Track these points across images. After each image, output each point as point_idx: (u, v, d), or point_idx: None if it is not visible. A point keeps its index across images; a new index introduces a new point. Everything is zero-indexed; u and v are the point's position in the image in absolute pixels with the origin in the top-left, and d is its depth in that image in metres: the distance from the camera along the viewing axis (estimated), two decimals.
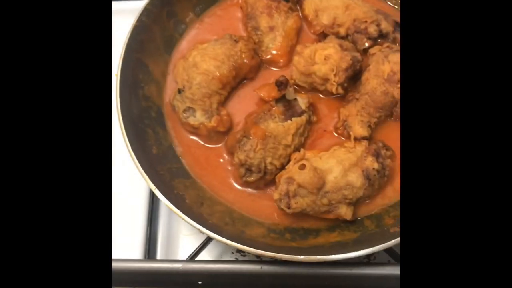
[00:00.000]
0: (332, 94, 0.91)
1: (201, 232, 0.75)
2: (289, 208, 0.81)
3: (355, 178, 0.82)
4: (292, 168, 0.83)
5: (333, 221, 0.84)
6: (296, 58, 0.91)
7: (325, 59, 0.88)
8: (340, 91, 0.89)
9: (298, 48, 0.92)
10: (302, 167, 0.82)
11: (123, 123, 0.82)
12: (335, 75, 0.88)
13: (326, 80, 0.90)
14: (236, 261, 0.80)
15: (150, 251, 0.93)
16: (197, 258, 0.87)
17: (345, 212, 0.82)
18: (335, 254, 0.73)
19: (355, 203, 0.84)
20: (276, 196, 0.83)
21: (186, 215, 0.75)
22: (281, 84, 0.87)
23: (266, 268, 0.78)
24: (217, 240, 0.74)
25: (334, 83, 0.88)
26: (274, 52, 0.97)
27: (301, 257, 0.72)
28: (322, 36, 0.98)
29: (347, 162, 0.82)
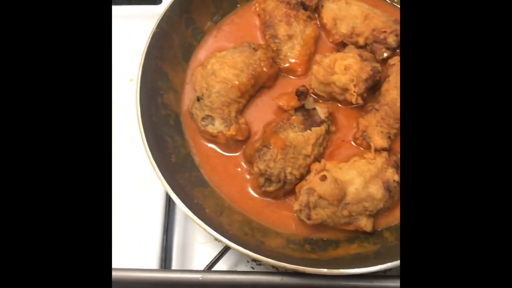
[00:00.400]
0: (351, 104, 0.90)
1: (222, 242, 0.75)
2: (309, 219, 0.81)
3: (376, 190, 0.81)
4: (313, 179, 0.83)
5: (352, 232, 0.84)
6: (315, 68, 0.91)
7: (345, 69, 0.88)
8: (360, 101, 0.89)
9: (317, 57, 0.92)
10: (323, 178, 0.81)
11: (143, 131, 0.82)
12: (355, 85, 0.87)
13: (345, 90, 0.89)
14: (256, 272, 0.79)
15: (166, 260, 0.92)
16: (214, 268, 0.87)
17: (365, 224, 0.82)
18: (357, 267, 0.72)
19: (375, 215, 0.84)
20: (296, 207, 0.82)
21: (208, 225, 0.75)
22: (301, 94, 0.87)
23: (286, 279, 0.77)
24: (238, 251, 0.74)
25: (354, 94, 0.88)
26: (292, 60, 0.97)
27: (324, 270, 0.72)
28: (341, 45, 0.98)
29: (367, 174, 0.82)
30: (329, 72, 0.89)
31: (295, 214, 0.84)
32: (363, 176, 0.82)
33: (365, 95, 0.89)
